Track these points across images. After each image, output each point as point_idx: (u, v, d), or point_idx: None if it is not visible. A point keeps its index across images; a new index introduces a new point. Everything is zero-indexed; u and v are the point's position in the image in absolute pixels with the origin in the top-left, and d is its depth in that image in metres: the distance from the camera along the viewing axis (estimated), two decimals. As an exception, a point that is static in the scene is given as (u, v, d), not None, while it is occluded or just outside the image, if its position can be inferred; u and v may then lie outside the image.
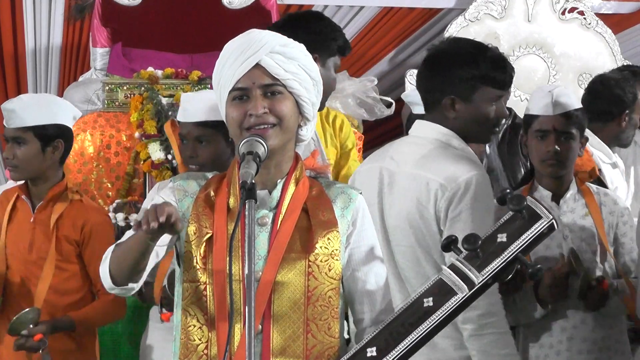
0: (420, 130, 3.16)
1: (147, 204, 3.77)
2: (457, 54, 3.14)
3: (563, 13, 6.93)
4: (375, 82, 6.13)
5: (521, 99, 6.89)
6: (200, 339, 2.35)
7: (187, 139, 3.55)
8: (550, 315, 3.44)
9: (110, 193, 5.45)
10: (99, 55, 6.17)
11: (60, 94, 6.42)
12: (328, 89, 3.85)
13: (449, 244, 2.33)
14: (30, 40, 6.72)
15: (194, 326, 2.36)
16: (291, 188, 2.40)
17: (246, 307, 2.17)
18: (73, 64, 6.75)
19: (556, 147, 3.45)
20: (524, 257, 2.29)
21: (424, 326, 2.24)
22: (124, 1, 6.17)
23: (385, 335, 2.25)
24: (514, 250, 2.28)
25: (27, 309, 3.52)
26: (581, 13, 6.93)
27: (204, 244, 2.36)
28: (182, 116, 3.58)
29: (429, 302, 2.26)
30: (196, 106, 3.52)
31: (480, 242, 2.25)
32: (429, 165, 3.05)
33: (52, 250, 3.63)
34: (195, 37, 6.11)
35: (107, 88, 5.61)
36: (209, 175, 2.47)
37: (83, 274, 3.71)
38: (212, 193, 2.41)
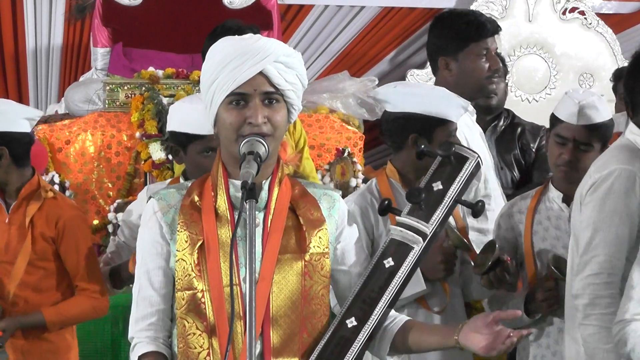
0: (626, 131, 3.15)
1: (134, 214, 3.71)
2: None
3: (564, 13, 6.94)
4: (376, 82, 6.13)
5: (522, 99, 6.90)
6: (201, 346, 2.36)
7: (215, 148, 3.46)
8: (548, 316, 3.43)
9: (111, 193, 5.45)
10: (100, 55, 6.18)
11: (61, 93, 6.43)
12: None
13: (385, 209, 2.47)
14: (31, 40, 6.73)
15: (194, 334, 2.36)
16: (275, 188, 2.42)
17: (246, 310, 2.19)
18: (74, 63, 6.76)
19: (572, 156, 3.44)
20: (463, 199, 2.44)
21: (392, 285, 2.36)
22: (125, 1, 6.18)
23: (358, 304, 2.35)
24: (453, 194, 2.43)
25: None
26: (582, 13, 6.94)
27: (197, 251, 2.37)
28: (208, 129, 3.48)
29: (389, 262, 2.37)
30: None
31: (423, 196, 2.38)
32: (597, 162, 3.06)
33: (25, 248, 3.65)
34: (196, 37, 6.08)
35: (107, 88, 5.61)
36: (188, 183, 2.49)
37: (60, 272, 3.73)
38: (196, 198, 2.42)
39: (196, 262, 2.36)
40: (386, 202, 2.46)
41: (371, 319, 2.33)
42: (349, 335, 2.32)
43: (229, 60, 2.36)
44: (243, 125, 2.35)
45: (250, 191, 2.19)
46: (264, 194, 2.40)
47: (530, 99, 6.91)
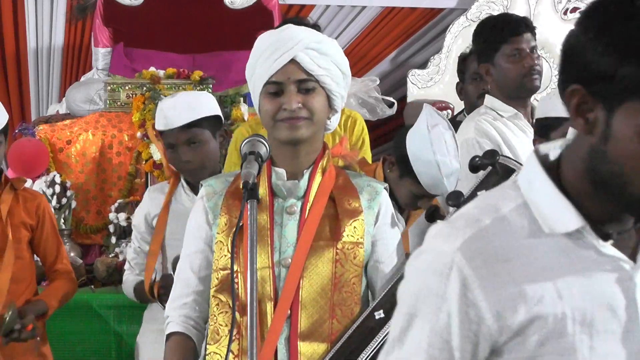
0: None
1: (140, 216, 3.74)
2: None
3: (565, 13, 6.93)
4: (377, 82, 6.13)
5: (523, 99, 6.87)
6: (231, 324, 2.42)
7: (176, 145, 3.53)
8: None
9: (112, 193, 5.45)
10: (101, 55, 6.18)
11: (62, 93, 6.42)
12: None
13: (433, 214, 2.52)
14: (32, 40, 6.73)
15: (226, 312, 2.46)
16: (318, 177, 2.48)
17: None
18: (75, 63, 6.76)
19: None
20: None
21: None
22: (126, 1, 6.17)
23: (388, 297, 2.42)
24: None
25: (9, 308, 3.54)
26: (583, 13, 6.93)
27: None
28: (164, 124, 3.54)
29: None
30: (177, 111, 3.50)
31: (463, 199, 2.40)
32: None
33: (10, 240, 3.65)
34: (197, 37, 6.11)
35: (109, 88, 5.61)
36: (236, 172, 2.58)
37: (31, 261, 3.75)
38: (241, 185, 2.47)
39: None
40: (433, 207, 2.51)
41: None
42: (375, 326, 2.42)
43: (263, 51, 2.44)
44: (279, 111, 2.42)
45: (252, 191, 2.22)
46: (302, 183, 2.47)
47: (531, 98, 6.89)
